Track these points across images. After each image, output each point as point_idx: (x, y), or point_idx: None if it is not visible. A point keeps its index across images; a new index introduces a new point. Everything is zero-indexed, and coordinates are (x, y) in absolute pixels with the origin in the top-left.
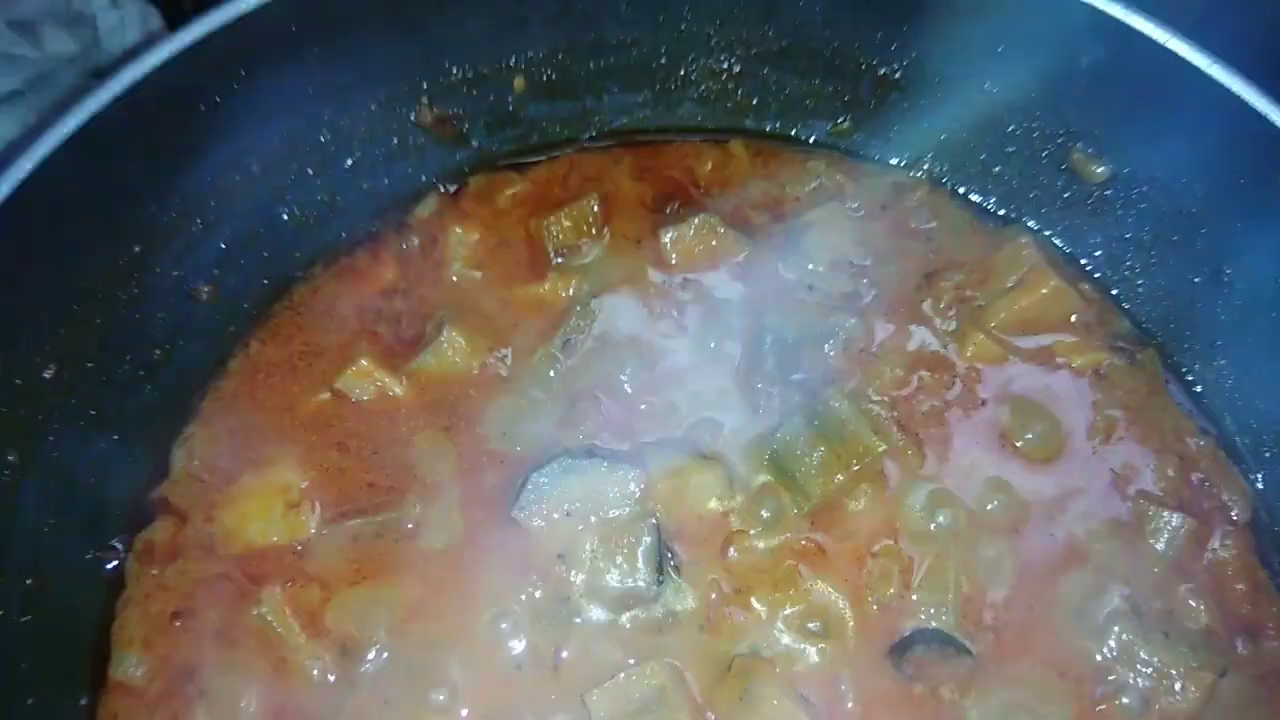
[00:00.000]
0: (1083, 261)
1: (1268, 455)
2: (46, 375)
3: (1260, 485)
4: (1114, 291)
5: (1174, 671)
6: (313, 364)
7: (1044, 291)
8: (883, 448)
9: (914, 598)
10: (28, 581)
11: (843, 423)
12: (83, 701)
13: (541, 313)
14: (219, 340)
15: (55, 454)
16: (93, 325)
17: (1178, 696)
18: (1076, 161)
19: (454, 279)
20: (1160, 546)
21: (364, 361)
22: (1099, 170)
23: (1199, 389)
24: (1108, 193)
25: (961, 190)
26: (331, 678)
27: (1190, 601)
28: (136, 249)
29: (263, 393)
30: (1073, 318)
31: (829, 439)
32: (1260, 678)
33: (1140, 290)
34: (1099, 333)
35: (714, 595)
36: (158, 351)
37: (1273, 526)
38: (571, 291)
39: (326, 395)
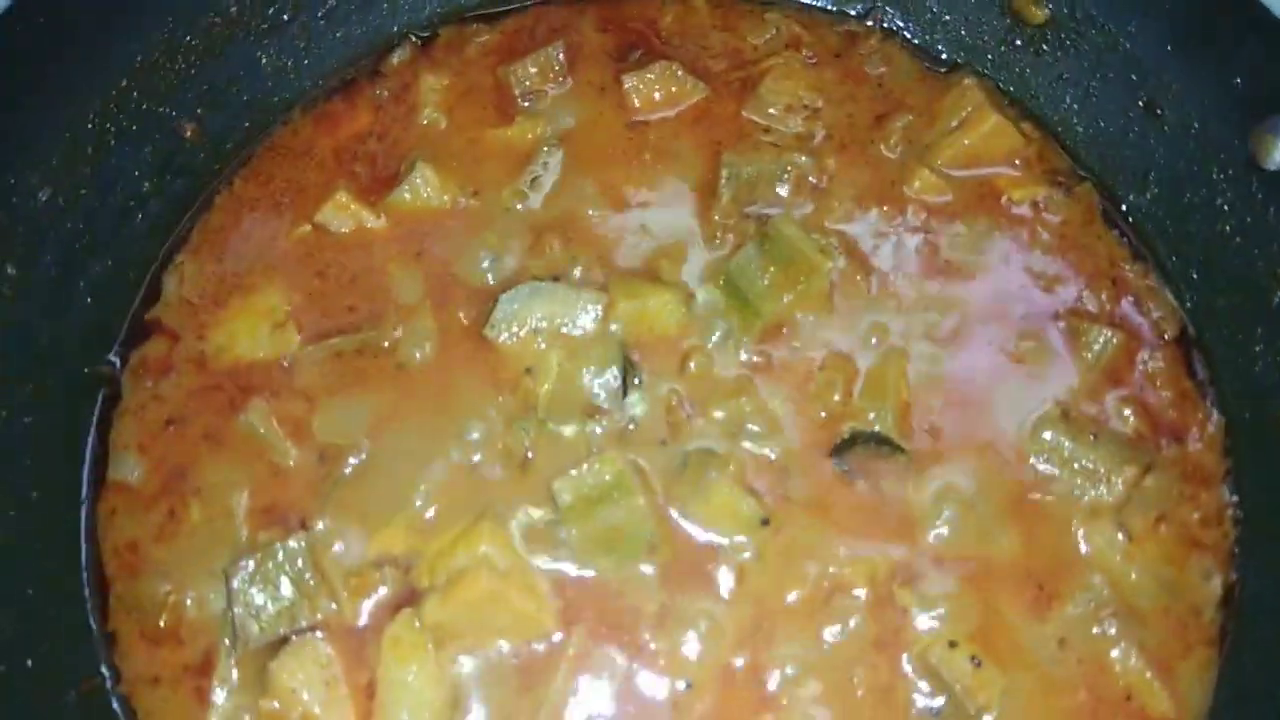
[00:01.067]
0: (1025, 103)
1: (1195, 276)
2: (42, 198)
3: (1189, 304)
4: (1054, 130)
5: (1101, 468)
6: (294, 200)
7: (986, 129)
8: (828, 265)
9: (856, 404)
10: (29, 387)
11: (791, 244)
12: (83, 496)
13: (509, 154)
14: (205, 177)
15: (52, 273)
16: (84, 154)
17: (1103, 489)
18: (1019, 5)
19: (425, 123)
20: (1091, 359)
21: (342, 196)
22: (1040, 13)
23: (1132, 219)
24: (1048, 35)
25: (912, 39)
26: (314, 478)
27: (1118, 408)
28: (123, 83)
29: (248, 225)
30: (1014, 157)
31: (778, 260)
32: (1185, 475)
33: (1078, 128)
34: (1038, 169)
35: (673, 403)
36: (147, 184)
37: (1200, 341)
38: (538, 134)
39: (307, 228)
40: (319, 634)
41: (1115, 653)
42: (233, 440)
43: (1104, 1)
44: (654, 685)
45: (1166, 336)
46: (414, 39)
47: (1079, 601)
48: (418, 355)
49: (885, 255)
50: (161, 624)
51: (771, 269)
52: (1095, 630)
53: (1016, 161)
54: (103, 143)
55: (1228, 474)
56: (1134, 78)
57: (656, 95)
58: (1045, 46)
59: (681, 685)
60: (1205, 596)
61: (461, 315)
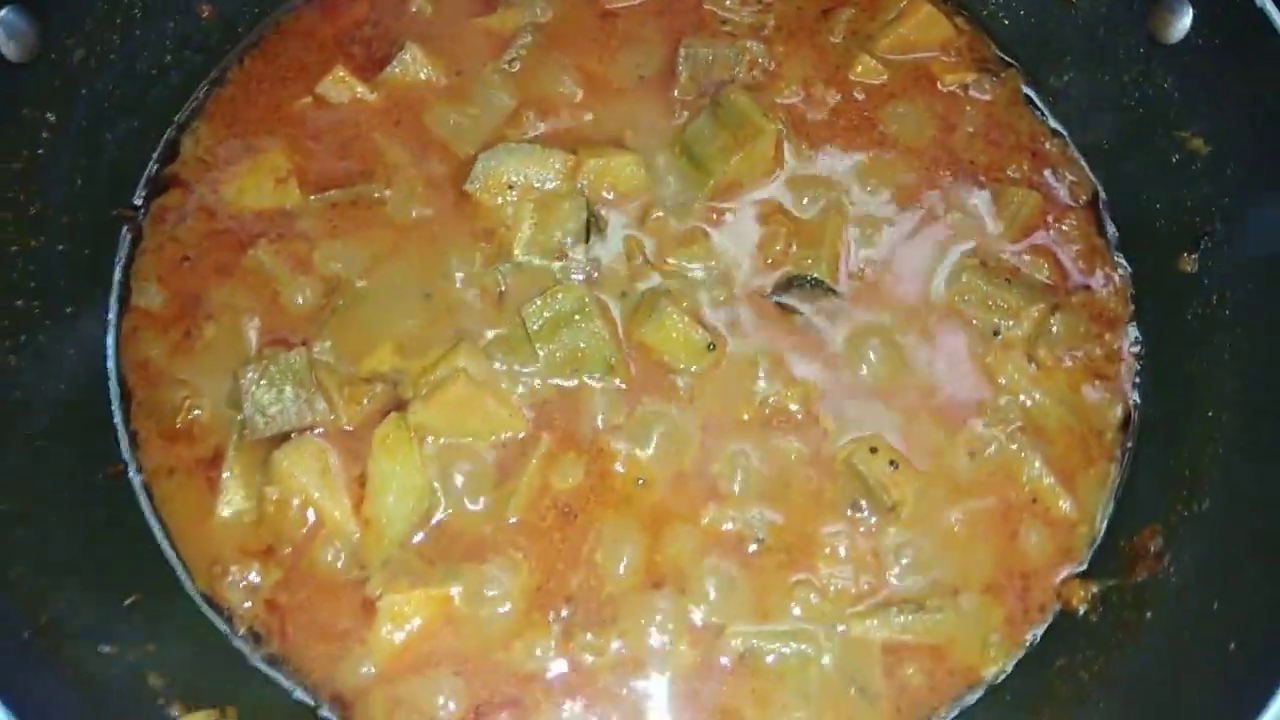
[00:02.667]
0: (955, 2)
1: (1106, 146)
2: (77, 57)
3: (1101, 171)
4: (983, 23)
5: (1014, 306)
6: (297, 76)
7: (920, 17)
8: (772, 128)
9: (795, 254)
10: (64, 219)
11: (740, 110)
12: (110, 317)
13: (491, 39)
14: (219, 54)
15: (84, 124)
16: (114, 23)
17: (1015, 325)
18: None
19: (414, 11)
20: (1010, 217)
21: (340, 71)
22: None
23: (1052, 99)
24: None
25: None
26: (314, 306)
27: (1035, 261)
28: None
29: (256, 96)
30: (947, 47)
31: (728, 125)
32: (1092, 317)
33: (1004, 20)
34: (968, 56)
35: (633, 250)
36: (168, 56)
37: (1110, 203)
38: (518, 22)
39: (309, 99)
40: (317, 432)
41: (1023, 464)
42: (242, 273)
43: None
44: (614, 480)
45: (1080, 200)
46: None
47: (991, 420)
48: (406, 206)
49: (826, 127)
50: (177, 425)
51: (722, 133)
52: (1005, 444)
53: (949, 50)
54: (130, 15)
55: (1132, 318)
56: None
57: None
58: None
59: (639, 480)
60: (1106, 420)
61: (445, 173)
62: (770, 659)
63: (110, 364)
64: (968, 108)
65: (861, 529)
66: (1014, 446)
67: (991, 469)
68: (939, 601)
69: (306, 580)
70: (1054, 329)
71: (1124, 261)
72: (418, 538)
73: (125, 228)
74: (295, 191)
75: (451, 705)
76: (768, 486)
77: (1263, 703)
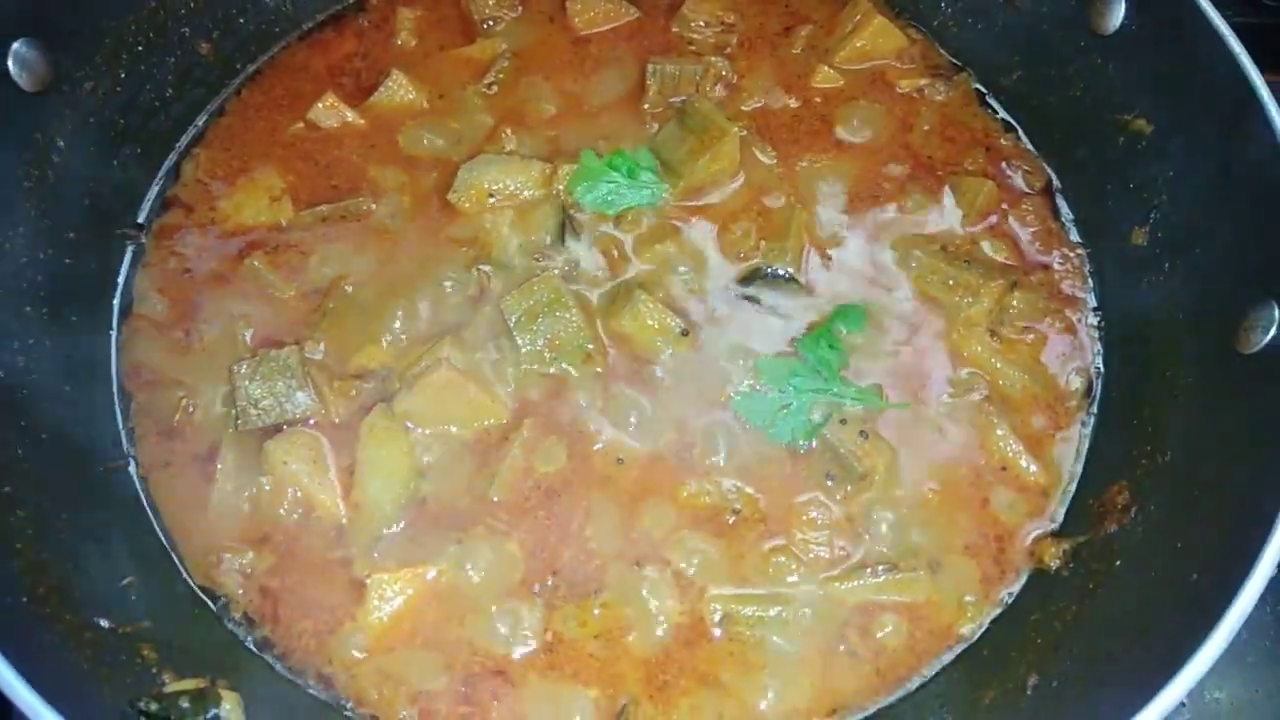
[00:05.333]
0: (909, 12)
1: (1056, 137)
2: (87, 88)
3: (1052, 160)
4: (935, 32)
5: (974, 285)
6: (291, 104)
7: (873, 28)
8: (736, 129)
9: (762, 248)
10: (71, 235)
11: (704, 115)
12: (113, 323)
13: (471, 65)
14: (217, 88)
15: (91, 149)
16: (120, 59)
17: (975, 302)
18: None
19: (400, 44)
20: (967, 206)
21: (330, 98)
22: None
23: (1003, 97)
24: None
25: None
26: (306, 310)
27: (991, 242)
28: (153, 4)
29: (253, 123)
30: (901, 55)
31: (694, 130)
32: (1051, 295)
33: (953, 28)
34: (921, 64)
35: (609, 248)
36: (170, 90)
37: (1063, 190)
38: (496, 50)
39: (301, 125)
40: (309, 424)
41: (991, 432)
42: (239, 281)
43: None
44: (594, 461)
45: (1035, 188)
46: None
47: (956, 392)
48: (392, 216)
49: (788, 129)
50: (174, 422)
51: (689, 138)
52: (971, 415)
53: (903, 58)
54: (135, 51)
55: (1090, 291)
56: None
57: (595, 14)
58: None
59: (619, 459)
60: (1069, 388)
61: (429, 186)
62: (749, 625)
63: (112, 367)
64: (923, 108)
65: (837, 497)
66: (981, 416)
67: (960, 438)
68: (914, 563)
69: (298, 565)
70: (1015, 305)
71: (1080, 239)
72: (404, 520)
73: (129, 244)
74: (288, 208)
75: (441, 678)
76: (743, 461)
77: (1220, 615)
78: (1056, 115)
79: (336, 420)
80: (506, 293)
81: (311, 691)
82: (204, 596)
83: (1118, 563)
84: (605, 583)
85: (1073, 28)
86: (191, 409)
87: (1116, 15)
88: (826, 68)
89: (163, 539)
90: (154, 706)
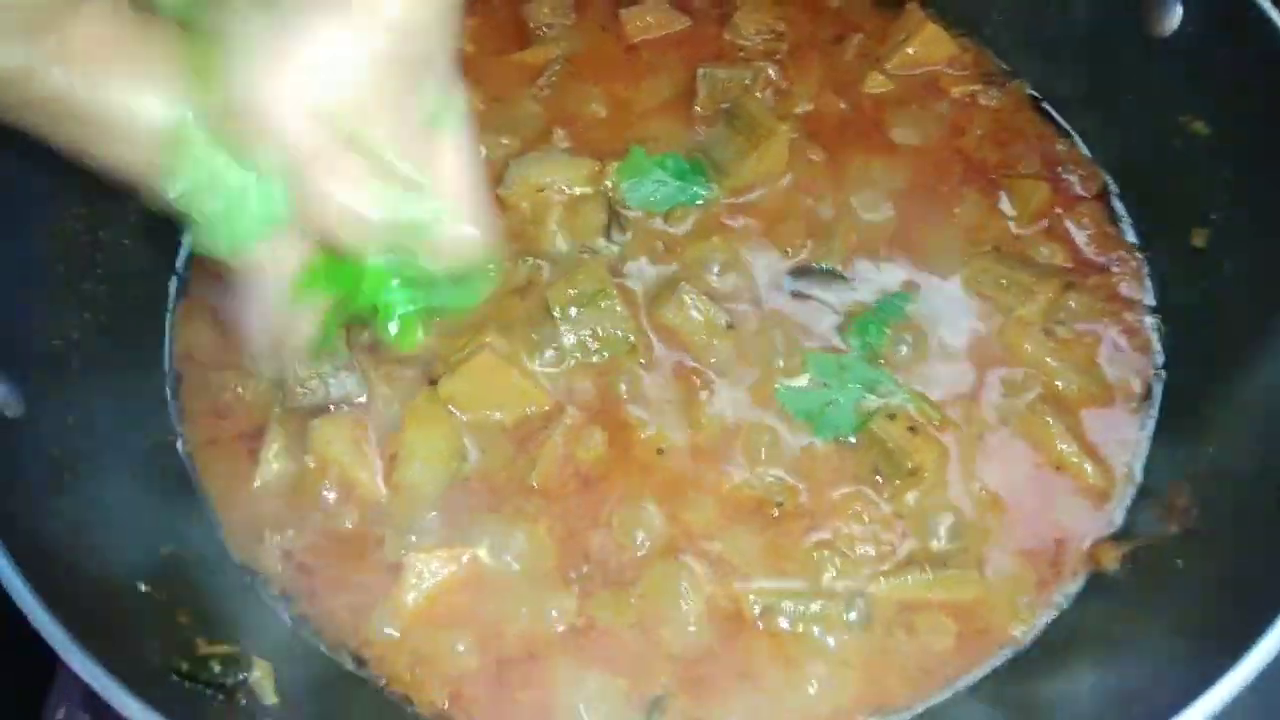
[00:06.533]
0: (961, 23)
1: (1114, 142)
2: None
3: (1112, 165)
4: (987, 42)
5: (1028, 285)
6: None
7: (925, 35)
8: (785, 128)
9: (810, 247)
10: (131, 219)
11: (753, 114)
12: (167, 308)
13: (525, 69)
14: None
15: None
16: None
17: (1030, 303)
18: None
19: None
20: (1020, 207)
21: None
22: None
23: (1058, 102)
24: None
25: None
26: None
27: (1046, 244)
28: None
29: None
30: (952, 62)
31: (742, 131)
32: (1109, 298)
33: (1006, 35)
34: (974, 71)
35: (655, 243)
36: None
37: (1120, 196)
38: (549, 56)
39: None
40: (354, 405)
41: (1047, 432)
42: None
43: None
44: (635, 450)
45: (1091, 192)
46: None
47: (1009, 391)
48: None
49: (838, 132)
50: (223, 401)
51: (737, 138)
52: (1026, 414)
53: (955, 64)
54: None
55: (1148, 294)
56: None
57: (647, 22)
58: None
59: (660, 450)
60: (1128, 391)
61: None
62: (791, 620)
63: (165, 346)
64: (976, 114)
65: (885, 493)
66: (1035, 416)
67: (1014, 438)
68: (964, 561)
69: (336, 543)
70: (1071, 305)
71: (1138, 242)
72: (443, 503)
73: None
74: None
75: (474, 660)
76: (787, 454)
77: None
78: (1112, 119)
79: (381, 403)
80: (552, 283)
81: (346, 668)
82: (243, 571)
83: (1179, 563)
84: (642, 573)
85: (1128, 31)
86: (240, 389)
87: (1174, 17)
88: (877, 74)
89: (206, 514)
90: (185, 666)
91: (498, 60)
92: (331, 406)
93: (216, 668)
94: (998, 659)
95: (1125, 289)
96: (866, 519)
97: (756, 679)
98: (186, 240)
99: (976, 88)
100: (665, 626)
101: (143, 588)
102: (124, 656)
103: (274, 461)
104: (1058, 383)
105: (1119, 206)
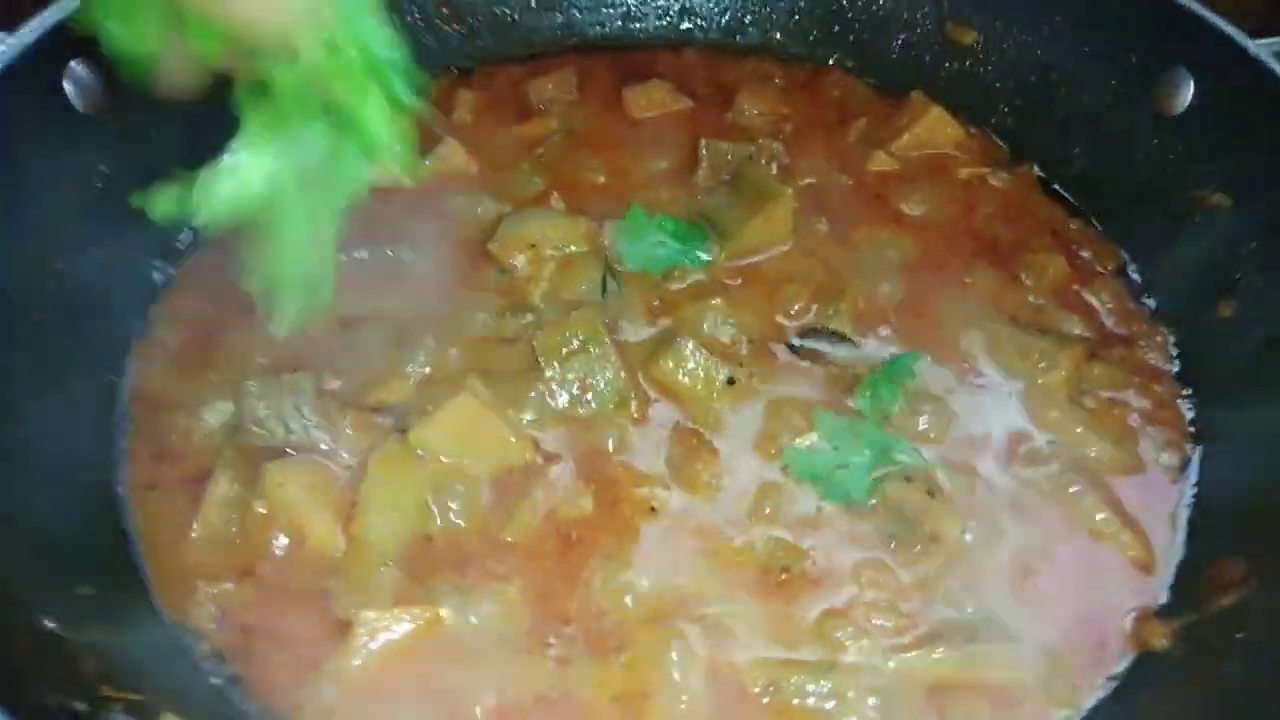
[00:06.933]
0: (966, 110)
1: (1129, 220)
2: (135, 121)
3: (1128, 244)
4: (993, 126)
5: (1049, 352)
6: None
7: (931, 118)
8: (789, 192)
9: (814, 310)
10: (99, 253)
11: (756, 179)
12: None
13: (525, 142)
14: None
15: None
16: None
17: (1054, 372)
18: (951, 32)
19: (455, 119)
20: (1037, 283)
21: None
22: (968, 38)
23: (1068, 184)
24: (979, 54)
25: (869, 76)
26: (328, 344)
27: (1065, 316)
28: None
29: None
30: (959, 146)
31: (745, 193)
32: (1134, 370)
33: (1012, 122)
34: (980, 155)
35: (651, 301)
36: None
37: (1140, 271)
38: (550, 129)
39: None
40: (314, 452)
41: (1079, 503)
42: (260, 312)
43: (1018, 17)
44: (622, 509)
45: (1108, 269)
46: (454, 69)
47: (1032, 460)
48: (432, 267)
49: (842, 204)
50: (170, 443)
51: (740, 202)
52: (1056, 483)
53: (962, 148)
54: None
55: (1176, 365)
56: (1052, 76)
57: (650, 101)
58: (976, 65)
59: (651, 508)
60: (1164, 464)
61: (471, 237)
62: (800, 697)
63: (123, 381)
64: (985, 194)
65: (901, 560)
66: (1065, 486)
67: (1043, 507)
68: (994, 635)
69: (280, 599)
70: (1096, 374)
71: (1161, 310)
72: (405, 558)
73: (155, 271)
74: None
75: None
76: (793, 515)
77: None
78: (1126, 198)
79: (344, 450)
80: (541, 331)
81: None
82: (170, 625)
83: (1238, 635)
84: (629, 640)
85: (1138, 113)
86: (189, 429)
87: (1185, 96)
88: (882, 154)
89: (135, 558)
90: (83, 707)
91: (500, 132)
92: (289, 450)
93: (119, 713)
94: None
95: (1153, 359)
96: (882, 587)
97: None
98: (153, 276)
99: (985, 170)
100: (653, 699)
101: (48, 624)
102: (11, 686)
103: (217, 507)
104: (1090, 452)
105: (1138, 278)
